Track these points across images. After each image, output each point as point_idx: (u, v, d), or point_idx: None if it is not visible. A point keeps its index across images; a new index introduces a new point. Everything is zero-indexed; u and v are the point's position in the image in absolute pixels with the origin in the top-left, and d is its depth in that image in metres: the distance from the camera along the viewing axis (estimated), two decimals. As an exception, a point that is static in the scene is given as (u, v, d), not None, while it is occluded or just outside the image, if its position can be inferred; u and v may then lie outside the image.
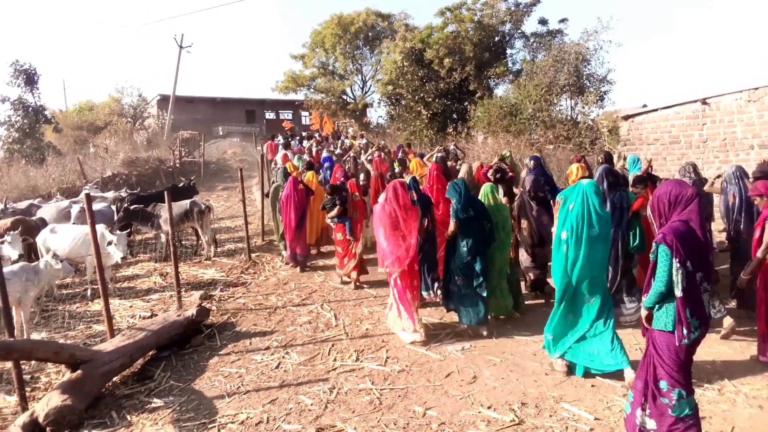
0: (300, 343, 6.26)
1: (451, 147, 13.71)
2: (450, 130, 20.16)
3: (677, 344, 3.46)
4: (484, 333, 6.17)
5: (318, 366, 5.63)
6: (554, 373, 5.16)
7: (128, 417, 4.81)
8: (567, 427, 4.23)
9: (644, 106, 10.46)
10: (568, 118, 17.67)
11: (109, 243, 8.04)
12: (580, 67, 17.27)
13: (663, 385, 3.61)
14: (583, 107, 17.35)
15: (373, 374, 5.35)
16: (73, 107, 40.35)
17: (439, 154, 10.61)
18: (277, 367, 5.66)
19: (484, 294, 6.13)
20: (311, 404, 4.81)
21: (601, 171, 6.41)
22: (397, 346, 6.00)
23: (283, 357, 5.89)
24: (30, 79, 26.51)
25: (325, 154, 17.16)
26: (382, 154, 13.05)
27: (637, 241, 6.10)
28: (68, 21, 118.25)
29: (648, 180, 6.49)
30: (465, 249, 6.10)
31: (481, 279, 6.12)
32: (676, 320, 3.46)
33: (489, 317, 6.28)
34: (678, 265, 3.40)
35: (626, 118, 10.60)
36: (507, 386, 4.95)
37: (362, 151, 15.68)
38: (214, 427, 4.55)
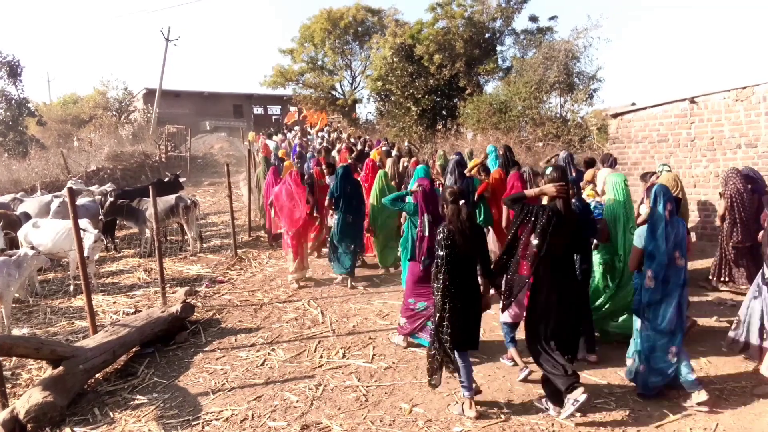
0: (286, 340, 6.21)
1: (405, 144, 15.78)
2: (439, 127, 20.14)
3: (420, 268, 5.46)
4: (349, 282, 8.14)
5: (304, 363, 5.58)
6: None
7: (111, 414, 4.74)
8: (553, 424, 4.22)
9: (633, 104, 10.47)
10: (558, 115, 17.73)
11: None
12: (570, 65, 17.33)
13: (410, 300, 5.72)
14: (573, 105, 17.42)
15: (359, 371, 5.32)
16: (57, 100, 40.00)
17: (384, 148, 12.24)
18: (262, 363, 5.60)
19: (345, 255, 8.08)
20: (297, 401, 4.77)
21: (453, 163, 7.93)
22: (384, 343, 5.97)
23: (269, 354, 5.84)
24: (13, 71, 26.11)
25: (296, 141, 18.56)
26: (349, 146, 15.30)
27: (482, 217, 7.39)
28: (53, 12, 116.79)
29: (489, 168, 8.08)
30: (337, 220, 8.03)
31: (343, 244, 8.05)
32: (418, 253, 5.47)
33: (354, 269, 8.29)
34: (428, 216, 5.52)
35: (615, 116, 10.61)
36: (494, 383, 4.94)
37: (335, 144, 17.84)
38: (198, 424, 4.49)
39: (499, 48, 22.50)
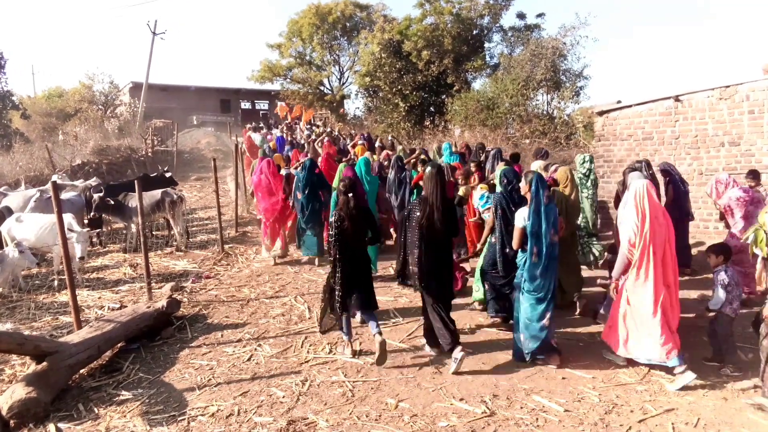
0: (273, 336, 6.21)
1: (389, 137, 16.85)
2: (427, 123, 20.17)
3: None
4: (317, 261, 9.05)
5: (290, 358, 5.58)
6: (526, 365, 5.21)
7: (95, 410, 4.71)
8: (537, 419, 4.27)
9: (618, 102, 10.55)
10: (544, 113, 17.82)
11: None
12: (557, 62, 17.42)
13: None
14: (559, 102, 17.51)
15: (345, 366, 5.33)
16: (42, 93, 39.46)
17: (361, 142, 13.40)
18: (249, 359, 5.60)
19: (311, 239, 8.97)
20: (283, 396, 4.77)
21: (394, 160, 9.38)
22: (370, 339, 5.97)
23: (256, 349, 5.83)
24: (-4, 63, 25.76)
25: (278, 133, 19.14)
26: (332, 139, 16.46)
27: None
28: (37, 4, 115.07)
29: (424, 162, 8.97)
30: (303, 208, 8.77)
31: (310, 229, 8.91)
32: None
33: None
34: None
35: (601, 113, 10.70)
36: (479, 378, 4.97)
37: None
38: (184, 419, 4.48)
39: (486, 45, 22.60)
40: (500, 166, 6.49)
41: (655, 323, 4.74)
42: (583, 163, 8.08)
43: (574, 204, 6.98)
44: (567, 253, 6.60)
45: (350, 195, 5.30)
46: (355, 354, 5.49)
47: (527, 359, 5.18)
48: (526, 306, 5.16)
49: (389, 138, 16.85)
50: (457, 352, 5.04)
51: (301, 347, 5.84)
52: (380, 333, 5.26)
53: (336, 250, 5.29)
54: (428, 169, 5.22)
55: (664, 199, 7.57)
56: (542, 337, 5.07)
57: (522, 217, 5.15)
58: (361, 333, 6.16)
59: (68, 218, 7.88)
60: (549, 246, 5.04)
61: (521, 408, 4.43)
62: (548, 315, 5.07)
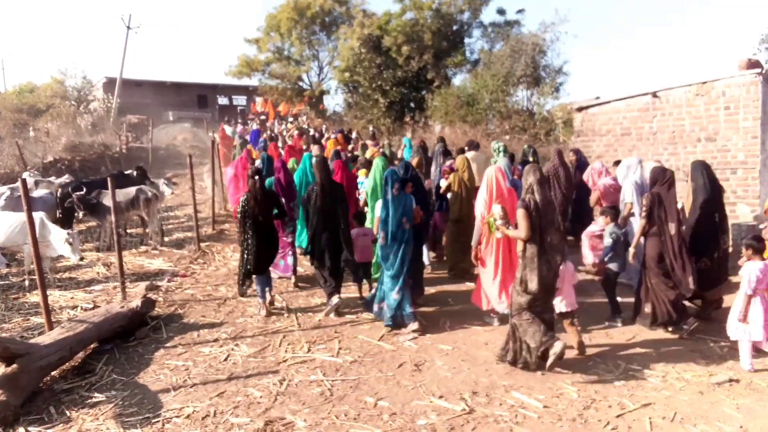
0: (250, 335, 6.12)
1: (371, 128, 17.39)
2: (407, 119, 20.13)
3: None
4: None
5: (268, 358, 5.50)
6: (506, 362, 5.20)
7: (67, 412, 4.58)
8: (516, 415, 4.26)
9: (597, 98, 10.63)
10: (524, 108, 17.87)
11: (67, 241, 7.61)
12: (537, 58, 17.47)
13: None
14: (539, 98, 17.58)
15: (324, 365, 5.27)
16: (12, 89, 38.49)
17: (334, 136, 13.73)
18: (225, 359, 5.50)
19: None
20: (260, 396, 4.70)
21: (333, 153, 9.74)
22: (349, 337, 5.94)
23: (233, 349, 5.74)
24: (-35, 57, 25.05)
25: (255, 127, 19.60)
26: (303, 134, 17.16)
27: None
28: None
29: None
30: None
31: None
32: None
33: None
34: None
35: (580, 109, 10.77)
36: (458, 375, 4.96)
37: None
38: (159, 421, 4.38)
39: (467, 40, 22.61)
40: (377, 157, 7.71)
41: (496, 283, 5.88)
42: (497, 152, 8.57)
43: (472, 188, 7.58)
44: (461, 233, 7.39)
45: (256, 178, 6.47)
46: (269, 314, 6.67)
47: (389, 323, 6.04)
48: (383, 279, 6.14)
49: (370, 129, 16.92)
50: (335, 298, 6.50)
51: (279, 346, 5.76)
52: (269, 300, 6.77)
53: (243, 226, 6.55)
54: (313, 159, 6.86)
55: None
56: (394, 306, 5.96)
57: (378, 208, 6.20)
58: (340, 332, 6.13)
59: (40, 216, 7.66)
60: (396, 231, 5.94)
61: (500, 405, 4.42)
62: (397, 288, 5.94)
